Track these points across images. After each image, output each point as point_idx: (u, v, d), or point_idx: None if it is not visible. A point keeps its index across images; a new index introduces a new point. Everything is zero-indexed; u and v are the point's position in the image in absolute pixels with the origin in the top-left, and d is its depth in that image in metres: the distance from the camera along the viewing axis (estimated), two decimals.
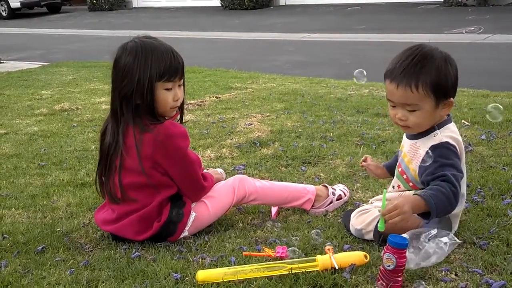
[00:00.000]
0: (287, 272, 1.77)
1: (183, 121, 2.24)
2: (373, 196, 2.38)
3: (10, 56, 8.98)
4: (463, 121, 3.54)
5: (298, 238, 2.06)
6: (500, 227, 2.04)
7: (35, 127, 4.17)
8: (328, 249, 1.85)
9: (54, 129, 4.10)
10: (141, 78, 1.97)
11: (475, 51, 7.19)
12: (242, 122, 3.92)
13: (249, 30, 11.16)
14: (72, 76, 6.59)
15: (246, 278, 1.77)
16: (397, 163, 2.09)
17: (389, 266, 1.65)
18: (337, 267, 1.78)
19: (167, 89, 2.03)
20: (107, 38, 11.14)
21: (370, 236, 1.99)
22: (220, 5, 16.45)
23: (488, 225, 2.07)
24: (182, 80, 2.10)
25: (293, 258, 1.87)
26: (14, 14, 18.63)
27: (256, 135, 3.54)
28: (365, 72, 2.25)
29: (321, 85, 5.21)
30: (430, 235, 1.82)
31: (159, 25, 13.00)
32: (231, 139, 3.51)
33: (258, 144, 3.36)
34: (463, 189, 1.98)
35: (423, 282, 1.69)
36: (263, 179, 2.59)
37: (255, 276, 1.77)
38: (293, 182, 2.60)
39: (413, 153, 1.98)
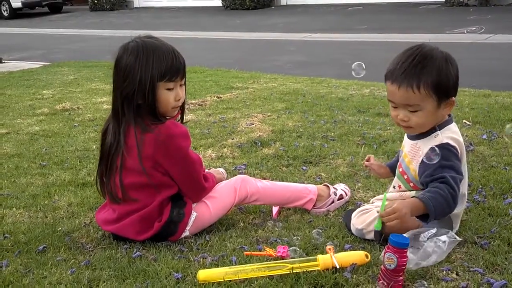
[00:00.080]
0: (288, 272, 1.77)
1: (184, 121, 2.24)
2: (374, 196, 2.37)
3: (12, 56, 9.00)
4: (464, 120, 3.54)
5: (299, 238, 2.06)
6: (501, 227, 2.04)
7: (37, 127, 4.17)
8: (329, 249, 1.85)
9: (55, 129, 4.10)
10: (143, 78, 1.97)
11: (477, 51, 7.19)
12: (243, 122, 3.92)
13: (250, 30, 11.17)
14: (74, 76, 6.59)
15: (247, 278, 1.77)
16: (398, 164, 2.09)
17: (390, 265, 1.66)
18: (338, 267, 1.78)
19: (169, 89, 2.03)
20: (108, 38, 11.15)
21: (371, 235, 1.99)
22: (221, 5, 16.46)
23: (489, 224, 2.07)
24: (184, 80, 2.09)
25: (294, 258, 1.87)
26: (15, 14, 18.68)
27: (257, 135, 3.53)
28: (363, 65, 2.20)
29: (322, 85, 5.21)
30: (429, 234, 1.82)
31: (160, 25, 13.01)
32: (232, 139, 3.51)
33: (259, 144, 3.36)
34: (464, 188, 1.98)
35: (425, 282, 1.69)
36: (264, 179, 2.60)
37: (256, 276, 1.77)
38: (294, 182, 2.60)
39: (413, 153, 1.98)
